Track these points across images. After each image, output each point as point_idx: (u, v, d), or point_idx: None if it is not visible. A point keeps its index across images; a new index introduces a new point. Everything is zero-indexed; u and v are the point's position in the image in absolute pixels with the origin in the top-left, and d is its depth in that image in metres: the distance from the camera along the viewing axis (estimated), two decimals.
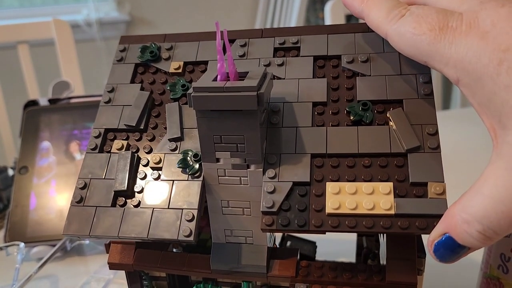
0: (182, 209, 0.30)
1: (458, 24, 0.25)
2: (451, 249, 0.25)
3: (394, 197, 0.28)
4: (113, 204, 0.31)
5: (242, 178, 0.30)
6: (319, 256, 0.42)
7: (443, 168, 0.28)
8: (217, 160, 0.30)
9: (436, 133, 0.29)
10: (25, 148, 0.61)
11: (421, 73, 0.31)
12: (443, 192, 0.27)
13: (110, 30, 1.95)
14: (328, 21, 1.01)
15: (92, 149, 0.33)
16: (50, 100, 0.66)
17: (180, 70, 0.35)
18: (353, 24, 0.35)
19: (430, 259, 0.28)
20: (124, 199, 0.31)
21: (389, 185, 0.28)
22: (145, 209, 0.30)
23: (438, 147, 0.29)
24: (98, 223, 0.30)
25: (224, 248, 0.32)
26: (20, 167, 0.60)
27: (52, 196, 0.58)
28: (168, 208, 0.30)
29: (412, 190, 0.28)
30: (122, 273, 0.46)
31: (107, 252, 0.33)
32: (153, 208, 0.30)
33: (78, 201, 0.31)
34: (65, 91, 0.68)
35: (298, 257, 0.32)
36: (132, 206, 0.31)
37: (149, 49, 0.36)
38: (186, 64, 0.36)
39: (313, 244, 0.42)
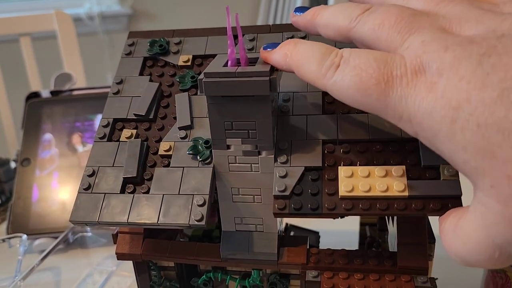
0: (193, 194, 0.29)
1: (403, 72, 0.22)
2: None
3: (408, 179, 0.28)
4: (122, 191, 0.30)
5: (253, 165, 0.30)
6: (322, 247, 0.42)
7: None
8: (228, 147, 0.30)
9: None
10: (27, 140, 0.61)
11: None
12: (456, 174, 0.27)
13: (112, 23, 1.93)
14: None
15: (101, 138, 0.33)
16: (52, 92, 0.66)
17: (189, 63, 0.36)
18: None
19: (438, 248, 0.28)
20: (133, 186, 0.31)
21: (402, 168, 0.28)
22: (155, 195, 0.30)
23: None
24: (107, 210, 0.30)
25: (234, 236, 0.31)
26: (22, 159, 0.60)
27: (55, 188, 0.58)
28: (179, 194, 0.30)
29: (425, 173, 0.28)
30: (124, 265, 0.45)
31: (115, 243, 0.33)
32: (163, 195, 0.30)
33: (86, 188, 0.31)
34: (67, 83, 0.68)
35: (308, 245, 0.32)
36: (141, 192, 0.30)
37: (158, 43, 0.37)
38: (195, 57, 0.36)
39: (316, 234, 0.42)
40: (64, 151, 0.61)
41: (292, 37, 0.35)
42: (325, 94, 0.32)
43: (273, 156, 0.29)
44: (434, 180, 0.27)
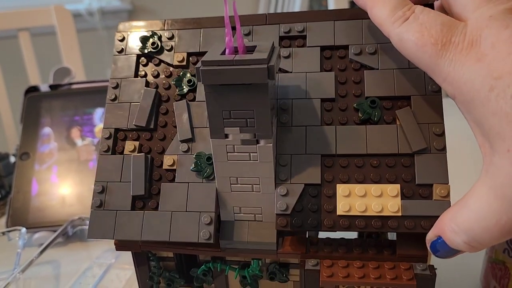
0: (200, 212, 0.31)
1: (461, 40, 0.24)
2: (445, 250, 0.27)
3: (401, 199, 0.29)
4: (133, 207, 0.32)
5: (251, 154, 0.30)
6: (321, 236, 0.44)
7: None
8: (226, 136, 0.29)
9: (443, 133, 0.30)
10: (26, 134, 0.61)
11: None
12: (447, 195, 0.29)
13: (112, 19, 1.89)
14: (331, 7, 0.96)
15: (105, 151, 0.34)
16: (51, 86, 0.65)
17: (184, 63, 0.35)
18: (360, 10, 0.33)
19: None
20: (142, 202, 0.32)
21: (396, 188, 0.29)
22: (164, 212, 0.32)
23: (444, 148, 0.30)
24: (120, 227, 0.32)
25: (233, 226, 0.32)
26: (21, 153, 0.60)
27: (54, 182, 0.58)
28: (186, 211, 0.31)
29: (418, 191, 0.29)
30: (123, 258, 0.47)
31: None
32: (172, 212, 0.32)
33: (98, 205, 0.33)
34: (66, 77, 0.67)
35: (307, 234, 0.33)
36: (151, 209, 0.32)
37: (150, 40, 0.35)
38: (189, 54, 0.35)
39: None
40: (63, 145, 0.61)
41: (290, 30, 0.34)
42: (323, 101, 0.32)
43: (271, 144, 0.29)
44: (426, 200, 0.29)
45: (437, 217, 0.28)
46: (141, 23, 0.37)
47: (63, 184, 0.58)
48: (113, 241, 0.34)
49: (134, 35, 0.36)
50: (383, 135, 0.31)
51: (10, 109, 1.00)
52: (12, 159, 0.67)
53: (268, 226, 0.31)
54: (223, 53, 0.28)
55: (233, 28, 0.34)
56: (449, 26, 0.25)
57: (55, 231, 0.52)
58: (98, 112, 0.63)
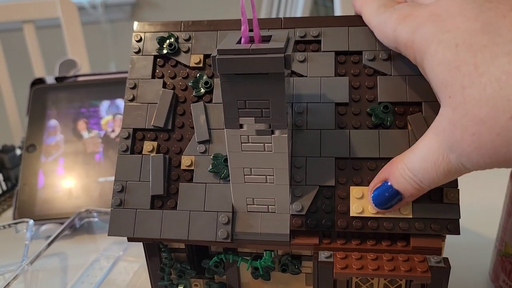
0: (218, 212, 0.32)
1: (422, 12, 0.27)
2: (387, 195, 0.29)
3: (413, 202, 0.30)
4: (152, 207, 0.33)
5: (266, 144, 0.30)
6: None
7: None
8: (241, 126, 0.30)
9: None
10: (32, 126, 0.61)
11: None
12: (457, 198, 0.30)
13: (115, 12, 1.88)
14: (337, 6, 0.97)
15: (124, 151, 0.35)
16: (57, 78, 0.65)
17: (201, 65, 0.36)
18: None
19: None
20: (161, 201, 0.33)
21: None
22: (183, 211, 0.33)
23: None
24: (140, 226, 0.33)
25: (246, 217, 0.32)
26: (28, 145, 0.60)
27: (60, 174, 0.58)
28: (204, 211, 0.32)
29: (429, 194, 0.30)
30: (131, 251, 0.47)
31: None
32: (190, 211, 0.33)
33: (118, 204, 0.34)
34: (72, 69, 0.66)
35: None
36: (169, 208, 0.33)
37: (167, 42, 0.36)
38: (206, 56, 0.36)
39: None
40: (69, 137, 0.61)
41: (305, 35, 0.35)
42: (337, 105, 0.33)
43: (286, 135, 0.29)
44: (436, 204, 0.30)
45: (447, 219, 0.30)
46: (158, 24, 0.37)
47: (70, 176, 0.59)
48: None
49: (151, 36, 0.37)
50: (395, 139, 0.32)
51: (15, 102, 1.00)
52: (18, 151, 0.67)
53: (281, 218, 0.32)
54: (239, 42, 0.28)
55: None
56: (418, 6, 0.28)
57: (61, 223, 0.52)
58: (104, 105, 0.63)
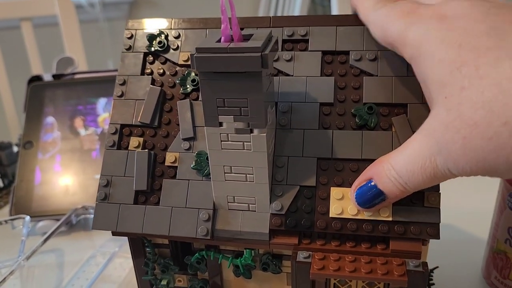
0: (199, 209, 0.33)
1: (427, 11, 0.27)
2: (371, 194, 0.29)
3: (393, 205, 0.30)
4: (135, 202, 0.34)
5: (245, 143, 0.30)
6: None
7: None
8: (220, 124, 0.30)
9: None
10: (29, 123, 0.61)
11: None
12: (438, 202, 0.30)
13: (113, 10, 1.89)
14: (334, 5, 0.97)
15: (111, 146, 0.35)
16: (54, 76, 0.65)
17: (189, 62, 0.36)
18: None
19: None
20: (144, 196, 0.34)
21: None
22: (165, 207, 0.33)
23: None
24: (123, 220, 0.33)
25: (226, 214, 0.32)
26: (25, 142, 0.60)
27: (57, 171, 0.59)
28: (186, 207, 0.33)
29: (410, 198, 0.30)
30: (127, 248, 0.46)
31: None
32: (172, 207, 0.33)
33: (103, 198, 0.34)
34: (69, 67, 0.67)
35: None
36: (152, 204, 0.33)
37: (157, 39, 0.36)
38: None
39: None
40: (66, 134, 0.61)
41: (293, 33, 0.35)
42: (322, 105, 0.33)
43: (265, 134, 0.29)
44: (416, 207, 0.30)
45: (427, 223, 0.29)
46: (149, 21, 0.38)
47: (66, 173, 0.59)
48: None
49: (142, 33, 0.37)
50: (379, 141, 0.31)
51: (12, 99, 1.01)
52: (15, 148, 0.67)
53: (261, 217, 0.32)
54: (219, 41, 0.28)
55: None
56: (417, 4, 0.28)
57: (58, 220, 0.52)
58: (101, 102, 0.64)
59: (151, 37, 0.37)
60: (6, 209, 0.60)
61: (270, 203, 0.32)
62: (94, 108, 0.63)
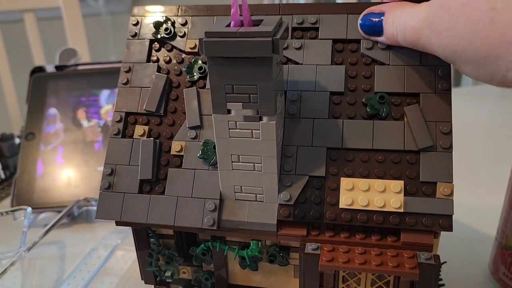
0: (205, 199, 0.32)
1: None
2: (374, 23, 0.31)
3: (404, 196, 0.29)
4: (140, 191, 0.33)
5: (254, 131, 0.29)
6: None
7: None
8: (228, 111, 0.29)
9: (450, 132, 0.30)
10: (32, 114, 0.61)
11: (441, 64, 0.31)
12: (451, 193, 0.29)
13: (116, 4, 1.89)
14: None
15: (115, 134, 0.34)
16: (57, 67, 0.64)
17: (196, 50, 0.35)
18: (373, 5, 0.33)
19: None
20: (149, 186, 0.33)
21: (400, 184, 0.30)
22: (170, 197, 0.32)
23: (451, 147, 0.30)
24: (127, 210, 0.33)
25: (233, 205, 0.31)
26: (27, 133, 0.59)
27: (59, 163, 0.58)
28: (192, 197, 0.32)
29: (422, 188, 0.29)
30: (129, 240, 0.47)
31: None
32: (178, 197, 0.32)
33: (107, 187, 0.33)
34: (72, 58, 0.66)
35: None
36: (157, 193, 0.33)
37: (163, 26, 0.36)
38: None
39: None
40: (69, 126, 0.60)
41: (302, 21, 0.34)
42: (332, 94, 0.32)
43: (274, 122, 0.28)
44: (428, 198, 0.29)
45: (440, 215, 0.29)
46: (155, 8, 0.37)
47: (69, 165, 0.58)
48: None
49: (148, 20, 0.36)
50: (390, 131, 0.31)
51: (14, 90, 1.00)
52: (17, 140, 0.67)
53: (269, 207, 0.31)
54: (228, 25, 0.28)
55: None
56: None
57: (60, 211, 0.52)
58: (104, 94, 0.63)
59: (157, 24, 0.36)
60: (8, 200, 0.59)
61: (279, 194, 0.31)
62: (96, 100, 0.62)
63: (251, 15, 0.35)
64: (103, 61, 0.66)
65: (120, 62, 0.64)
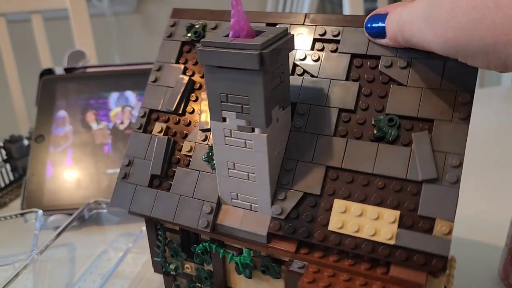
0: (204, 201, 0.33)
1: None
2: (378, 25, 0.30)
3: (398, 227, 0.27)
4: (150, 185, 0.35)
5: (247, 141, 0.29)
6: None
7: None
8: (224, 119, 0.29)
9: (460, 165, 0.27)
10: (41, 116, 0.61)
11: (463, 90, 0.28)
12: (449, 232, 0.26)
13: (121, 5, 1.90)
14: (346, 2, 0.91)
15: (138, 129, 0.37)
16: (66, 69, 0.65)
17: None
18: None
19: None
20: (159, 181, 0.35)
21: (395, 214, 0.28)
22: (174, 194, 0.34)
23: (457, 181, 0.27)
24: (137, 200, 0.35)
25: (229, 210, 0.32)
26: (36, 136, 0.60)
27: (69, 165, 0.58)
28: (192, 197, 0.33)
29: (419, 222, 0.27)
30: (139, 242, 0.47)
31: None
32: (180, 196, 0.34)
33: (123, 177, 0.36)
34: (81, 60, 0.67)
35: None
36: (164, 189, 0.34)
37: (194, 29, 0.37)
38: None
39: None
40: (78, 128, 0.61)
41: (325, 33, 0.33)
42: (342, 111, 0.31)
43: (266, 135, 0.29)
44: (424, 234, 0.27)
45: (434, 254, 0.26)
46: (192, 11, 0.38)
47: (78, 167, 0.58)
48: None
49: (183, 22, 0.38)
50: (395, 156, 0.29)
51: (21, 93, 1.00)
52: (26, 142, 0.67)
53: (262, 218, 0.31)
54: (227, 35, 0.28)
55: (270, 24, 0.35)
56: None
57: (70, 214, 0.52)
58: (113, 97, 0.63)
59: (190, 27, 0.37)
60: (17, 202, 0.60)
61: (272, 206, 0.31)
62: (106, 102, 0.62)
63: (276, 24, 0.35)
64: (112, 63, 0.67)
65: (129, 64, 0.66)
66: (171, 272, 0.38)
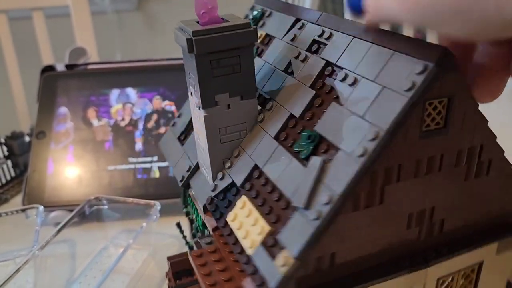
0: (189, 159, 0.38)
1: None
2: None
3: (261, 241, 0.26)
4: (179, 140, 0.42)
5: (199, 117, 0.32)
6: None
7: None
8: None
9: (328, 203, 0.24)
10: (42, 113, 0.60)
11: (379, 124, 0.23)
12: (284, 265, 0.24)
13: (122, 2, 1.77)
14: None
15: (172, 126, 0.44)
16: (67, 66, 0.64)
17: (261, 39, 0.38)
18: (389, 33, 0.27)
19: None
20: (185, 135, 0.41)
21: (265, 229, 0.27)
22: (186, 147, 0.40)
23: (318, 219, 0.24)
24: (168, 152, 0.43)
25: (198, 174, 0.36)
26: (37, 132, 0.59)
27: (70, 162, 0.58)
28: (187, 156, 0.39)
29: (274, 245, 0.25)
30: (139, 239, 0.47)
31: None
32: (185, 152, 0.39)
33: (172, 125, 0.44)
34: (82, 57, 0.66)
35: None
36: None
37: (253, 15, 0.40)
38: (267, 36, 0.38)
39: None
40: (79, 125, 0.60)
41: (322, 33, 0.31)
42: (291, 117, 0.30)
43: (203, 115, 0.31)
44: (270, 258, 0.25)
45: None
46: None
47: (79, 164, 0.58)
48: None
49: (257, 8, 0.41)
50: (297, 174, 0.27)
51: (23, 89, 0.99)
52: (27, 138, 0.66)
53: (207, 191, 0.34)
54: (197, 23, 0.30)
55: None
56: None
57: (71, 210, 0.51)
58: (114, 93, 0.62)
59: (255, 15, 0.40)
60: (18, 198, 0.60)
61: (213, 182, 0.33)
62: (107, 99, 0.62)
63: (300, 20, 0.35)
64: (113, 60, 0.66)
65: (130, 61, 0.65)
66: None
